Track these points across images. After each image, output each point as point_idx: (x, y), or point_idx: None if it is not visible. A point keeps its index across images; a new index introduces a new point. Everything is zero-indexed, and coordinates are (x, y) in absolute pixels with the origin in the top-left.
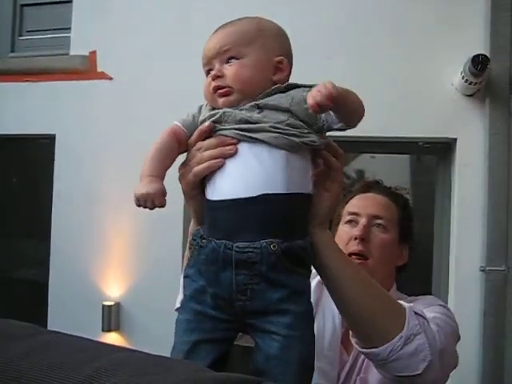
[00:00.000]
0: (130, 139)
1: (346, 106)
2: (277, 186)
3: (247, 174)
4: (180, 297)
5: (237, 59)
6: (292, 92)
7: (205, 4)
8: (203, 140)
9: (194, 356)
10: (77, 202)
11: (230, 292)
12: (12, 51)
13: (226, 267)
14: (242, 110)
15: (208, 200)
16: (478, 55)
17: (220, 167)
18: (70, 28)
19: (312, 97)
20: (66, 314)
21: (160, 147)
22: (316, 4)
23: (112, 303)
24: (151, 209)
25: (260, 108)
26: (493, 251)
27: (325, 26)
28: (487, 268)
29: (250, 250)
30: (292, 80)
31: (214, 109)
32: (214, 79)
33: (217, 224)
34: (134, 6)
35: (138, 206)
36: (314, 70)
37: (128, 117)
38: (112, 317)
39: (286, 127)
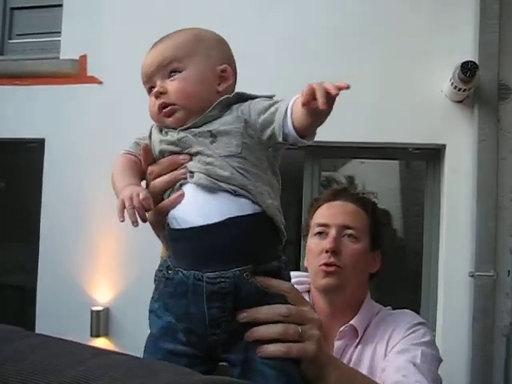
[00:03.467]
0: (119, 143)
1: (323, 116)
2: (243, 208)
3: (208, 199)
4: None
5: (179, 72)
6: (242, 107)
7: (195, 8)
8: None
9: None
10: (66, 206)
11: (203, 327)
12: (1, 54)
13: (196, 300)
14: (195, 135)
15: (171, 229)
16: (467, 62)
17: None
18: (59, 32)
19: (310, 95)
20: (54, 320)
21: (121, 166)
22: (305, 8)
23: (101, 308)
24: (138, 214)
25: (213, 136)
26: (481, 257)
27: (315, 33)
28: (476, 273)
29: (222, 279)
30: (282, 83)
31: (161, 130)
32: (157, 97)
33: (183, 254)
34: (124, 11)
35: (121, 216)
36: (303, 75)
37: (118, 121)
38: (101, 322)
39: (237, 163)
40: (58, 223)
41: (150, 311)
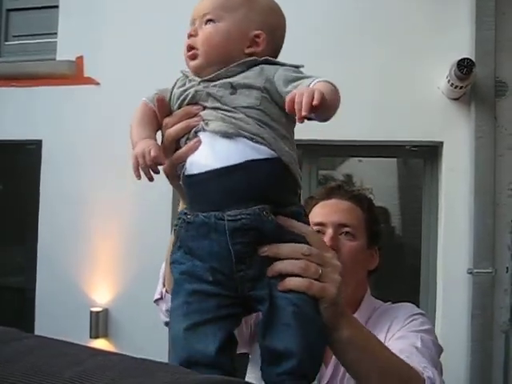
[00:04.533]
0: (117, 144)
1: (324, 113)
2: (260, 152)
3: (226, 144)
4: (159, 288)
5: (214, 22)
6: (267, 68)
7: (193, 9)
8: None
9: (200, 340)
10: (64, 207)
11: (229, 264)
12: None
13: (220, 239)
14: (214, 86)
15: (188, 176)
16: (464, 59)
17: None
18: (56, 33)
19: (291, 101)
20: (53, 321)
21: (140, 115)
22: (302, 6)
23: (100, 309)
24: (150, 169)
25: (233, 87)
26: (480, 253)
27: (312, 30)
28: (475, 270)
29: (243, 216)
30: None
31: (184, 84)
32: (188, 38)
33: (202, 198)
34: (121, 12)
35: (136, 172)
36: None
37: (115, 122)
38: (100, 323)
39: (256, 115)
40: (57, 224)
41: (172, 262)
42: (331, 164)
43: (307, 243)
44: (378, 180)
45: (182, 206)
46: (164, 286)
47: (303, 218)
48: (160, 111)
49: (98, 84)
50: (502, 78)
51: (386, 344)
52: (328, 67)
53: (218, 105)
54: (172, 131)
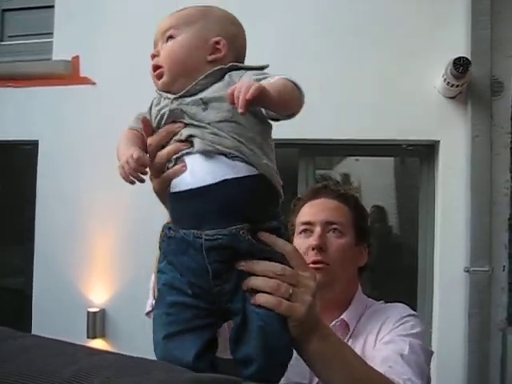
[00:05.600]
0: (114, 144)
1: (274, 107)
2: (238, 170)
3: (204, 163)
4: (150, 301)
5: (174, 38)
6: (234, 75)
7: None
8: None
9: (179, 348)
10: (60, 208)
11: (206, 280)
12: None
13: (197, 256)
14: (187, 104)
15: (172, 193)
16: (460, 58)
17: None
18: (52, 33)
19: (231, 94)
20: (50, 322)
21: (125, 138)
22: (301, 9)
23: (97, 310)
24: (138, 172)
25: (204, 103)
26: (477, 252)
27: (310, 30)
28: (471, 269)
29: (219, 236)
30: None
31: (159, 102)
32: (152, 58)
33: (182, 215)
34: (117, 11)
35: (127, 179)
36: (299, 73)
37: (112, 121)
38: (97, 323)
39: (230, 128)
40: (54, 225)
41: (158, 271)
42: (328, 163)
43: (286, 261)
44: (375, 179)
45: (169, 220)
46: (154, 298)
47: (283, 232)
48: (145, 132)
49: (94, 84)
50: (498, 77)
51: (375, 347)
52: (327, 68)
53: (192, 122)
54: (163, 153)
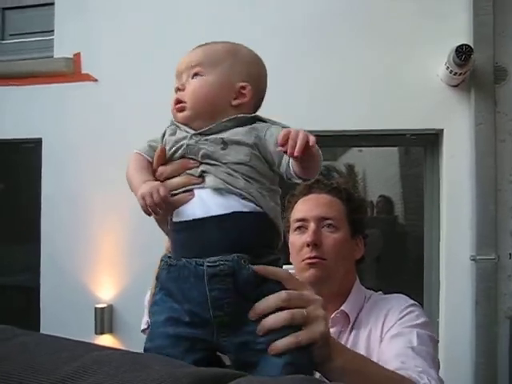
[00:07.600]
0: (116, 141)
1: (309, 161)
2: (247, 207)
3: (214, 197)
4: (145, 319)
5: (200, 76)
6: (258, 125)
7: (190, 6)
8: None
9: None
10: (66, 205)
11: (206, 309)
12: None
13: (198, 284)
14: (206, 141)
15: (174, 222)
16: (462, 45)
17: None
18: (53, 31)
19: (286, 136)
20: (58, 318)
21: (136, 164)
22: None
23: (104, 305)
24: (158, 207)
25: (224, 143)
26: (482, 240)
27: (306, 16)
28: (477, 257)
29: (222, 262)
30: (276, 74)
31: (175, 133)
32: (176, 92)
33: (186, 244)
34: (118, 7)
35: (146, 211)
36: (300, 63)
37: (114, 118)
38: (105, 319)
39: (245, 171)
40: (59, 222)
41: (152, 305)
42: (333, 155)
43: (284, 288)
44: (380, 169)
45: (166, 251)
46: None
47: (280, 266)
48: (158, 159)
49: (96, 80)
50: (502, 64)
51: (382, 340)
52: (328, 58)
53: (209, 160)
54: (174, 183)
